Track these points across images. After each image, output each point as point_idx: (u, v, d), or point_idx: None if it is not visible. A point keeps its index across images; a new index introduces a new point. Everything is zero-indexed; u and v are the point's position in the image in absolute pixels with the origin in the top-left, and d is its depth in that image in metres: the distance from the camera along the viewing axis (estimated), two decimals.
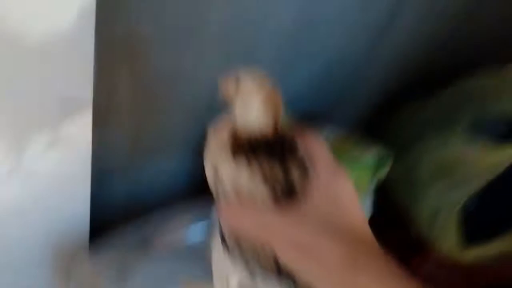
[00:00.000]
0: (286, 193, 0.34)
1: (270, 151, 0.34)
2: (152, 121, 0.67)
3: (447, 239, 0.77)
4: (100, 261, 0.61)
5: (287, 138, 0.36)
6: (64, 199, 0.57)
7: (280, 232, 0.32)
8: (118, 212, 0.73)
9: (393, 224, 0.83)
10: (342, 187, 0.34)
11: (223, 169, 0.35)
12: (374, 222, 0.40)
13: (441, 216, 0.77)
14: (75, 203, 0.59)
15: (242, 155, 0.34)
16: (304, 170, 0.34)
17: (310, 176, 0.34)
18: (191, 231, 0.64)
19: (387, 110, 0.94)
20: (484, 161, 0.74)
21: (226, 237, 0.37)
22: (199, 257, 0.59)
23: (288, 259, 0.32)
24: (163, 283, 0.58)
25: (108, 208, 0.72)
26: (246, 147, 0.34)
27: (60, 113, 0.48)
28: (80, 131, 0.50)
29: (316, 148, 0.35)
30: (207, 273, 0.41)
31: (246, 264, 0.37)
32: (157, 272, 0.61)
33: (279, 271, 0.35)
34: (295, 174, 0.34)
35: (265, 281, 0.37)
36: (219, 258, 0.39)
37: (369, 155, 0.76)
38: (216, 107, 0.38)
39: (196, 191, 0.70)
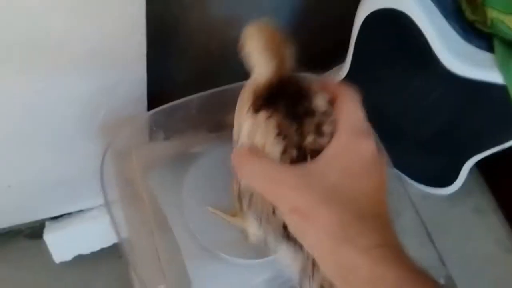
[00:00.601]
0: (298, 158, 0.34)
1: (290, 107, 0.35)
2: None
3: None
4: (158, 142, 0.52)
5: (303, 87, 0.36)
6: (116, 61, 0.49)
7: (281, 191, 0.32)
8: (181, 83, 0.64)
9: None
10: (359, 154, 0.33)
11: (244, 127, 0.36)
12: None
13: None
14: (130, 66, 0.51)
15: (261, 111, 0.35)
16: (321, 133, 0.34)
17: (329, 139, 0.34)
18: None
19: None
20: None
21: (242, 194, 0.39)
22: None
23: (286, 219, 0.33)
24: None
25: (170, 78, 0.63)
26: (266, 102, 0.35)
27: None
28: None
29: (346, 108, 0.34)
30: None
31: (258, 223, 0.39)
32: (227, 154, 0.52)
33: (288, 235, 0.36)
34: (309, 138, 0.34)
35: (275, 243, 0.38)
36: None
37: None
38: None
39: None
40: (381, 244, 0.30)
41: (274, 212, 0.36)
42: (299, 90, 0.36)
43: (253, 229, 0.41)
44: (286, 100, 0.35)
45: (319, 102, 0.35)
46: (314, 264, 0.35)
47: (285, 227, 0.35)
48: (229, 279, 0.48)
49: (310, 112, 0.35)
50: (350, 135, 0.33)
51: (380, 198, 0.32)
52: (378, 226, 0.31)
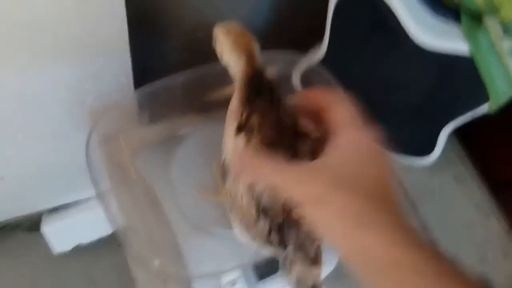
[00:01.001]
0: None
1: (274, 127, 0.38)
2: None
3: None
4: (146, 125, 0.53)
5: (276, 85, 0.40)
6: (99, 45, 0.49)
7: (294, 185, 0.34)
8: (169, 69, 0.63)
9: None
10: (361, 144, 0.34)
11: (228, 145, 0.39)
12: None
13: None
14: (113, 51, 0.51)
15: (240, 133, 0.38)
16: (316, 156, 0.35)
17: (328, 138, 0.35)
18: None
19: None
20: None
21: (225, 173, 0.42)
22: None
23: (302, 212, 0.34)
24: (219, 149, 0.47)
25: (157, 65, 0.62)
26: (247, 118, 0.38)
27: None
28: None
29: (339, 110, 0.36)
30: None
31: (244, 229, 0.41)
32: (212, 135, 0.49)
33: (271, 242, 0.39)
34: (304, 147, 0.37)
35: (259, 245, 0.41)
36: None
37: None
38: None
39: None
40: (394, 227, 0.31)
41: (257, 220, 0.38)
42: (273, 88, 0.40)
43: (239, 232, 0.43)
44: (270, 120, 0.38)
45: (309, 126, 0.38)
46: (292, 262, 0.39)
47: (269, 233, 0.38)
48: (220, 251, 0.50)
49: (302, 136, 0.38)
50: (349, 131, 0.35)
51: (388, 184, 0.34)
52: (389, 209, 0.32)
